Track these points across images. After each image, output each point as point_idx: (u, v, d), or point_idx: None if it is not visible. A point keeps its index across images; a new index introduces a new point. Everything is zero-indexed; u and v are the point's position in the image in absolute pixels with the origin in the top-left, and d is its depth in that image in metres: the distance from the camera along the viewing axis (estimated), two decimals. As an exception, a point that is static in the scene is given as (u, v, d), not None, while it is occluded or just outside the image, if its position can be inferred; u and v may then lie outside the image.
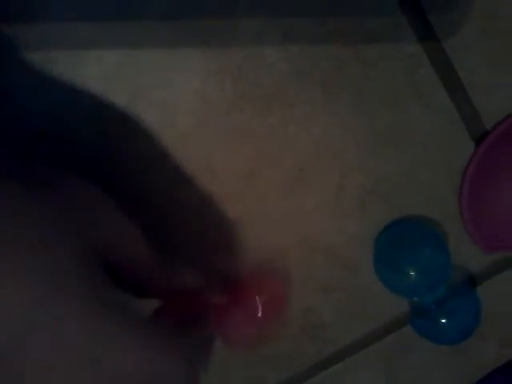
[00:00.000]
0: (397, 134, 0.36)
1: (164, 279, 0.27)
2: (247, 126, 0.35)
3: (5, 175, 0.20)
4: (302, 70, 0.34)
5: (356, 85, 0.35)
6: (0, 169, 0.20)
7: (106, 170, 0.33)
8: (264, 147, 0.35)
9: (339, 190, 0.37)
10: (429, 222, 0.38)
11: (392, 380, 0.43)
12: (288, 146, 0.35)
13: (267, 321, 0.36)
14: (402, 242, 0.36)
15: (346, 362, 0.41)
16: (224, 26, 0.33)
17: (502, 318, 0.42)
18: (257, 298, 0.35)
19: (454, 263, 0.38)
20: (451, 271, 0.37)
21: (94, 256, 0.21)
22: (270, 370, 0.40)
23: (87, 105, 0.32)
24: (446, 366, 0.43)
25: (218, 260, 0.36)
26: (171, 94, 0.33)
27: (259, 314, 0.35)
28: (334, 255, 0.38)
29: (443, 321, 0.37)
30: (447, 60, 0.35)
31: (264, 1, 0.32)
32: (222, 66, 0.33)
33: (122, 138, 0.33)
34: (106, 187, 0.25)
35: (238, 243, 0.36)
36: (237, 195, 0.36)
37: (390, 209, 0.38)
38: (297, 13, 0.33)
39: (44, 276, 0.17)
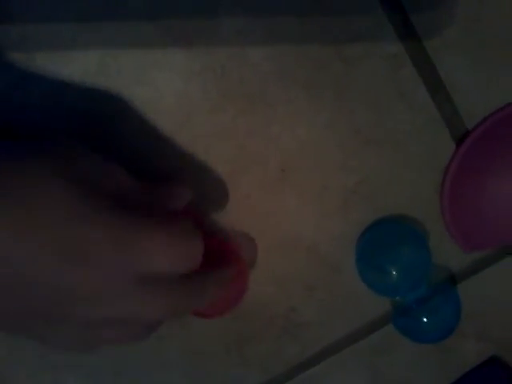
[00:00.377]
0: (379, 134, 0.36)
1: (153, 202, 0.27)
2: (230, 126, 0.34)
3: None
4: (285, 69, 0.34)
5: (338, 84, 0.35)
6: None
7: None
8: (247, 146, 0.35)
9: (322, 189, 0.37)
10: (411, 221, 0.38)
11: (375, 378, 0.43)
12: (271, 146, 0.35)
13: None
14: (383, 242, 0.36)
15: (329, 361, 0.42)
16: (207, 26, 0.32)
17: (482, 317, 0.42)
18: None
19: (436, 262, 0.39)
20: (432, 270, 0.37)
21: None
22: (253, 370, 0.40)
23: (71, 103, 0.32)
24: (428, 364, 0.43)
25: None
26: (154, 92, 0.33)
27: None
28: (317, 254, 0.38)
29: (424, 319, 0.37)
30: (429, 60, 0.35)
31: (247, 0, 0.32)
32: (205, 65, 0.33)
33: (106, 136, 0.33)
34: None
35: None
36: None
37: (373, 208, 0.38)
38: (279, 12, 0.33)
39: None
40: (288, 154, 0.36)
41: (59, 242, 0.20)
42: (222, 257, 0.34)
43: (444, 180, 0.36)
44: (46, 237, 0.19)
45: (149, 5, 0.31)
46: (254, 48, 0.33)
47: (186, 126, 0.34)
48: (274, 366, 0.41)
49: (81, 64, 0.31)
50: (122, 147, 0.33)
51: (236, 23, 0.33)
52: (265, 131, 0.35)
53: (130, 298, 0.22)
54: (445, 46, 0.35)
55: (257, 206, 0.36)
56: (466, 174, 0.36)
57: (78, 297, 0.21)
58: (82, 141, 0.26)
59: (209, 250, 0.28)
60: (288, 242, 0.38)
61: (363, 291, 0.38)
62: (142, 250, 0.22)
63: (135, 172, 0.27)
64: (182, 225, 0.25)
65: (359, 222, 0.38)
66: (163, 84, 0.33)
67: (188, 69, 0.33)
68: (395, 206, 0.38)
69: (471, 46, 0.36)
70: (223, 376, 0.40)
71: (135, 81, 0.32)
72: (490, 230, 0.37)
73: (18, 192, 0.20)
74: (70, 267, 0.20)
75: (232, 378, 0.40)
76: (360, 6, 0.33)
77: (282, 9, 0.33)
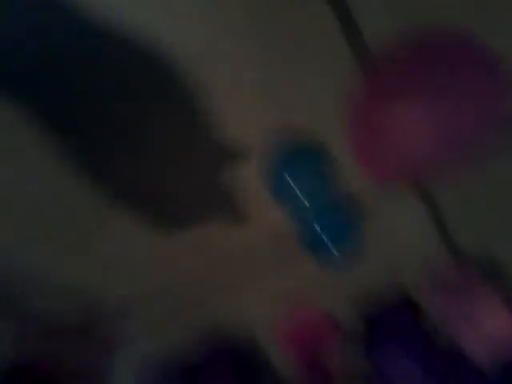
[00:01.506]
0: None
1: None
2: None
3: None
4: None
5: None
6: None
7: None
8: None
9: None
10: (317, 150, 0.40)
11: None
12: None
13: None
14: (291, 170, 0.38)
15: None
16: None
17: (388, 248, 0.44)
18: None
19: (342, 191, 0.40)
20: (339, 199, 0.39)
21: None
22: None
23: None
24: (332, 285, 0.45)
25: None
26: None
27: None
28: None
29: (327, 242, 0.39)
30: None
31: None
32: None
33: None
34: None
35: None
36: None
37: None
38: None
39: None
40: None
41: None
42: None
43: (349, 106, 0.37)
44: None
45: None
46: None
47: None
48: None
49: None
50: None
51: None
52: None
53: None
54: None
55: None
56: (372, 101, 0.37)
57: None
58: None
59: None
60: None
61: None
62: None
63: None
64: None
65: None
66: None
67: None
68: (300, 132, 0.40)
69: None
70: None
71: None
72: (399, 158, 0.38)
73: None
74: None
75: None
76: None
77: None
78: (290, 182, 0.37)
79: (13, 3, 0.33)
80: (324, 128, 0.40)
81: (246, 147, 0.39)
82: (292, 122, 0.40)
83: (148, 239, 0.46)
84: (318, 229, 0.38)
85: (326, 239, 0.38)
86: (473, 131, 0.36)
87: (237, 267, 0.46)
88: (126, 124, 0.39)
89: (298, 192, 0.36)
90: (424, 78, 0.36)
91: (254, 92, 0.39)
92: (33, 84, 0.35)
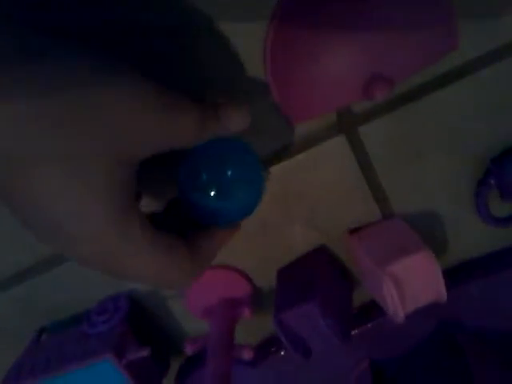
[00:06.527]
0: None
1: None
2: None
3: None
4: None
5: None
6: None
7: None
8: None
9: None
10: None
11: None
12: None
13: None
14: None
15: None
16: None
17: (309, 200, 0.42)
18: None
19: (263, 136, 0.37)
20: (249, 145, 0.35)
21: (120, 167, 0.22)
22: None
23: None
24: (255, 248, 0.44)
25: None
26: None
27: None
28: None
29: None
30: None
31: None
32: None
33: None
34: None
35: None
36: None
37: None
38: None
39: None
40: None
41: None
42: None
43: (265, 55, 0.33)
44: None
45: None
46: None
47: None
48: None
49: None
50: None
51: None
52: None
53: None
54: None
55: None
56: (288, 42, 0.33)
57: None
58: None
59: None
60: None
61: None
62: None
63: None
64: None
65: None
66: None
67: None
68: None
69: None
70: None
71: None
72: (317, 98, 0.35)
73: None
74: None
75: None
76: None
77: None
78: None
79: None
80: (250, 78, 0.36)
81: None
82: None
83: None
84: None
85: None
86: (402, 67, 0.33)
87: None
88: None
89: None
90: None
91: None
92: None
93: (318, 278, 0.41)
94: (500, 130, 0.39)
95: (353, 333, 0.49)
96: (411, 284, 0.38)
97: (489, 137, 0.40)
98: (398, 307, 0.39)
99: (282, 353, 0.50)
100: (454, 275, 0.47)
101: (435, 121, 0.38)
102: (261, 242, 0.44)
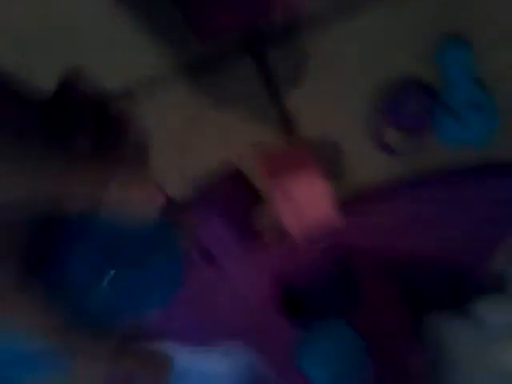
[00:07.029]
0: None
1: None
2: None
3: None
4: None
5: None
6: None
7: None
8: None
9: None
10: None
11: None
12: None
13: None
14: None
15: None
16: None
17: None
18: None
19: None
20: None
21: None
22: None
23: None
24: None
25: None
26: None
27: None
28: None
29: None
30: None
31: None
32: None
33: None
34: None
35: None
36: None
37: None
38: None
39: None
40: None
41: None
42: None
43: None
44: None
45: None
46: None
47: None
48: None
49: None
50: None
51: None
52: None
53: None
54: None
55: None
56: None
57: None
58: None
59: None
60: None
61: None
62: None
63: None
64: None
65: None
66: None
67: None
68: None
69: None
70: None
71: None
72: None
73: None
74: None
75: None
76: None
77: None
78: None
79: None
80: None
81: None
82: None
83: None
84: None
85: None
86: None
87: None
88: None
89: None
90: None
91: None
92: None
93: (223, 190, 0.47)
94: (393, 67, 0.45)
95: (259, 251, 0.52)
96: (304, 205, 0.43)
97: (382, 73, 0.45)
98: (291, 224, 0.44)
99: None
100: (350, 203, 0.51)
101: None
102: (176, 160, 0.49)
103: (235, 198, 0.48)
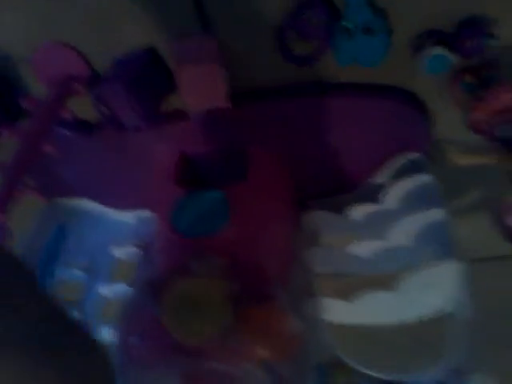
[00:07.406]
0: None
1: None
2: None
3: None
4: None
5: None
6: None
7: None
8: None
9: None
10: None
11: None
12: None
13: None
14: None
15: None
16: None
17: None
18: None
19: None
20: None
21: None
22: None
23: None
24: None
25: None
26: None
27: None
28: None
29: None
30: None
31: None
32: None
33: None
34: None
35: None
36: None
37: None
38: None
39: None
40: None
41: None
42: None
43: None
44: None
45: None
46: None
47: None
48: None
49: None
50: None
51: None
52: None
53: None
54: None
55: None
56: None
57: None
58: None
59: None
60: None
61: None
62: None
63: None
64: None
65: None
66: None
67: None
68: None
69: None
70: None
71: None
72: None
73: None
74: None
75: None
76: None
77: None
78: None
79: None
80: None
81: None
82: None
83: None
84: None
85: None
86: None
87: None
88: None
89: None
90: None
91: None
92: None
93: (133, 67, 0.51)
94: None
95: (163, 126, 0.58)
96: (198, 86, 0.50)
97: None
98: (189, 101, 0.52)
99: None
100: (249, 96, 0.57)
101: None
102: (95, 38, 0.53)
103: (148, 77, 0.53)
